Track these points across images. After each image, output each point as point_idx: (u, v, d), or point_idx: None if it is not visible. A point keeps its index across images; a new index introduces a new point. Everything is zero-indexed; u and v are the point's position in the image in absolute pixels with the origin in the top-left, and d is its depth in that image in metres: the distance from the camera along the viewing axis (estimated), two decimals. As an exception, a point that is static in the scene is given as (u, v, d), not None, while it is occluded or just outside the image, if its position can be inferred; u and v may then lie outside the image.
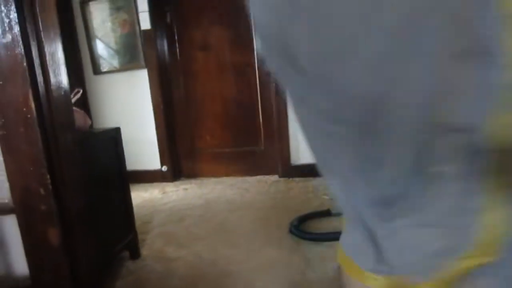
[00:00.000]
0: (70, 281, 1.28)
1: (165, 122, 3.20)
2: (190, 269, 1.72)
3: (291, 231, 2.00)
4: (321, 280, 1.55)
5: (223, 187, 3.00)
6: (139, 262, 1.83)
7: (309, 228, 2.05)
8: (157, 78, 3.11)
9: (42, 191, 1.18)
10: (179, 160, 3.33)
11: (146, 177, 3.21)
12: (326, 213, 2.22)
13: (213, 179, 3.25)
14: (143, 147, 3.20)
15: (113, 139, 1.72)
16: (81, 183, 1.36)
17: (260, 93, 3.10)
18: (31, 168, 1.16)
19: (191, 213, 2.46)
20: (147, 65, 3.07)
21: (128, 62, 3.09)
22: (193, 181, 3.25)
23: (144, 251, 1.93)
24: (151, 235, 2.14)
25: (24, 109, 1.11)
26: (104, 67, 3.16)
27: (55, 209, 1.20)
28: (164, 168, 3.24)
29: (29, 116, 1.12)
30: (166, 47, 3.15)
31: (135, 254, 1.87)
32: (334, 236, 1.87)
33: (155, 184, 3.21)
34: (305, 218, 2.14)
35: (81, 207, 1.33)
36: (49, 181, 1.17)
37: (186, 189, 3.03)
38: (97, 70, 3.15)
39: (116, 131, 1.74)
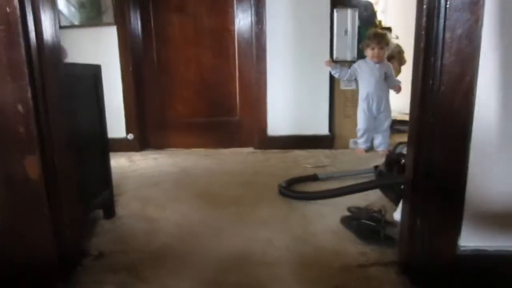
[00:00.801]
0: (50, 227, 1.07)
1: (134, 87, 2.95)
2: (178, 227, 1.55)
3: (281, 192, 1.88)
4: (325, 232, 1.44)
5: (196, 157, 2.82)
6: (115, 221, 1.63)
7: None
8: (127, 38, 2.86)
9: (20, 108, 0.97)
10: (146, 129, 3.10)
11: (110, 145, 2.93)
12: (313, 178, 2.13)
13: (184, 150, 3.05)
14: (107, 112, 2.92)
15: (93, 77, 1.50)
16: (63, 109, 1.15)
17: (238, 60, 2.95)
18: (8, 78, 0.95)
19: (167, 178, 2.26)
20: (117, 22, 2.81)
21: (95, 17, 2.80)
22: (162, 152, 3.04)
23: (120, 212, 1.72)
24: (125, 197, 1.93)
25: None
26: (63, 21, 2.84)
27: (35, 133, 0.99)
28: (130, 136, 2.99)
29: (8, 10, 0.91)
30: (138, 5, 2.90)
31: (110, 213, 1.66)
32: (329, 194, 1.79)
33: (119, 153, 2.95)
34: (292, 182, 2.03)
35: (63, 138, 1.12)
36: (30, 95, 0.96)
37: (155, 158, 2.81)
38: (57, 25, 2.82)
39: (97, 69, 1.52)
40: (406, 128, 3.10)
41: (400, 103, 4.11)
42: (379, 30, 2.81)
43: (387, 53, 2.74)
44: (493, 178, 0.98)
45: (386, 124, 2.75)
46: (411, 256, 1.09)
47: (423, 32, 0.93)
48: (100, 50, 2.90)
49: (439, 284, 1.04)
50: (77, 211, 1.23)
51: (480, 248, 1.02)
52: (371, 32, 2.74)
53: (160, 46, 2.97)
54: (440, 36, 0.89)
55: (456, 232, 1.02)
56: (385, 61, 2.77)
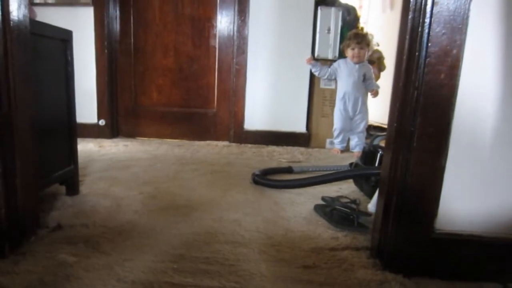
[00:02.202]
0: (1, 192, 0.99)
1: (108, 71, 2.85)
2: (144, 205, 1.47)
3: (254, 181, 1.83)
4: (297, 218, 1.40)
5: (169, 146, 2.73)
6: (78, 198, 1.54)
7: (272, 182, 1.90)
8: (104, 19, 2.76)
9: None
10: (118, 116, 2.99)
11: (79, 130, 2.81)
12: (288, 170, 2.09)
13: (156, 140, 2.96)
14: (78, 96, 2.79)
15: (63, 42, 1.42)
16: (28, 78, 1.06)
17: (218, 51, 2.89)
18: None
19: (137, 163, 2.17)
20: (94, 3, 2.72)
21: (72, -5, 2.70)
22: (133, 140, 2.94)
23: (84, 190, 1.63)
24: (91, 177, 1.83)
25: None
26: (37, -1, 2.73)
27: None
28: (102, 122, 2.88)
29: None
30: (118, -14, 2.82)
31: (73, 190, 1.56)
32: (304, 183, 1.75)
33: (88, 139, 2.84)
34: (267, 172, 1.98)
35: (27, 109, 1.04)
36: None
37: (126, 145, 2.71)
38: None
39: (68, 34, 1.44)
40: (382, 133, 3.09)
41: (378, 112, 4.16)
42: (360, 31, 2.82)
43: (368, 54, 2.74)
44: (473, 157, 0.96)
45: (362, 125, 2.75)
46: (385, 240, 1.06)
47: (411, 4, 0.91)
48: (75, 30, 2.77)
49: (412, 267, 1.01)
50: (33, 180, 1.14)
51: (455, 232, 1.00)
52: (352, 32, 2.74)
53: (138, 30, 2.89)
54: (429, 9, 0.87)
55: (432, 216, 0.99)
56: (366, 62, 2.77)
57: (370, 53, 2.77)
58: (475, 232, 1.00)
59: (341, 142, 2.79)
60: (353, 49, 2.68)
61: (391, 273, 1.01)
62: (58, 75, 1.42)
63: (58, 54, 1.40)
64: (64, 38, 1.41)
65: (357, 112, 2.74)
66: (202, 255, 1.08)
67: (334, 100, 2.83)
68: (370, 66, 2.82)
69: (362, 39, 2.67)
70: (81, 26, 2.79)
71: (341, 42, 2.82)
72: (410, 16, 0.90)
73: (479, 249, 0.99)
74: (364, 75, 2.74)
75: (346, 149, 2.83)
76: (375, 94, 2.80)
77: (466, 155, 0.96)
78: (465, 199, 0.99)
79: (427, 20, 0.87)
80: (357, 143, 2.76)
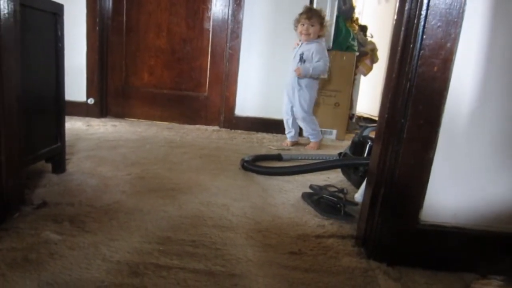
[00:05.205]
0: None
1: (99, 49, 2.80)
2: (132, 186, 1.46)
3: (243, 166, 1.83)
4: (285, 205, 1.41)
5: (159, 128, 2.71)
6: (64, 176, 1.52)
7: (260, 168, 1.90)
8: (96, -5, 2.70)
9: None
10: (108, 95, 2.95)
11: (67, 108, 2.77)
12: (277, 157, 2.09)
13: (146, 122, 2.94)
14: (68, 73, 2.74)
15: (54, 16, 1.38)
16: (16, 41, 1.04)
17: (212, 34, 2.86)
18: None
19: (125, 144, 2.15)
20: (87, -23, 2.65)
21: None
22: (122, 121, 2.90)
23: (70, 169, 1.61)
24: (78, 156, 1.81)
25: None
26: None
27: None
28: (91, 101, 2.84)
29: None
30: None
31: (59, 167, 1.54)
32: (291, 171, 1.76)
33: (77, 117, 2.80)
34: (256, 159, 1.98)
35: (13, 85, 1.02)
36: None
37: (115, 125, 2.68)
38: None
39: (59, 8, 1.40)
40: (372, 125, 3.09)
41: (369, 104, 4.18)
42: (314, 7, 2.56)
43: (322, 33, 2.44)
44: (460, 151, 0.97)
45: (298, 113, 2.49)
46: (370, 229, 1.07)
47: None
48: (66, 4, 2.71)
49: (396, 256, 1.03)
50: (18, 156, 1.13)
51: (439, 223, 1.02)
52: (305, 7, 2.48)
53: (131, 8, 2.83)
54: (425, 1, 0.87)
55: (418, 207, 1.01)
56: (318, 41, 2.44)
57: (324, 32, 2.46)
58: (458, 224, 1.01)
59: (288, 132, 2.60)
60: (302, 24, 2.40)
61: (375, 262, 1.03)
62: (48, 50, 1.39)
63: (48, 28, 1.37)
64: (55, 12, 1.38)
65: (291, 99, 2.51)
66: (189, 238, 1.08)
67: (325, 90, 2.82)
68: (318, 44, 2.43)
69: (313, 14, 2.39)
70: (73, 0, 2.72)
71: (336, 31, 2.80)
72: (406, 7, 0.90)
73: (461, 241, 1.01)
74: (301, 55, 2.42)
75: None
76: (297, 72, 2.42)
77: (453, 149, 0.97)
78: (450, 191, 1.01)
79: (423, 12, 0.86)
80: (305, 133, 2.57)
